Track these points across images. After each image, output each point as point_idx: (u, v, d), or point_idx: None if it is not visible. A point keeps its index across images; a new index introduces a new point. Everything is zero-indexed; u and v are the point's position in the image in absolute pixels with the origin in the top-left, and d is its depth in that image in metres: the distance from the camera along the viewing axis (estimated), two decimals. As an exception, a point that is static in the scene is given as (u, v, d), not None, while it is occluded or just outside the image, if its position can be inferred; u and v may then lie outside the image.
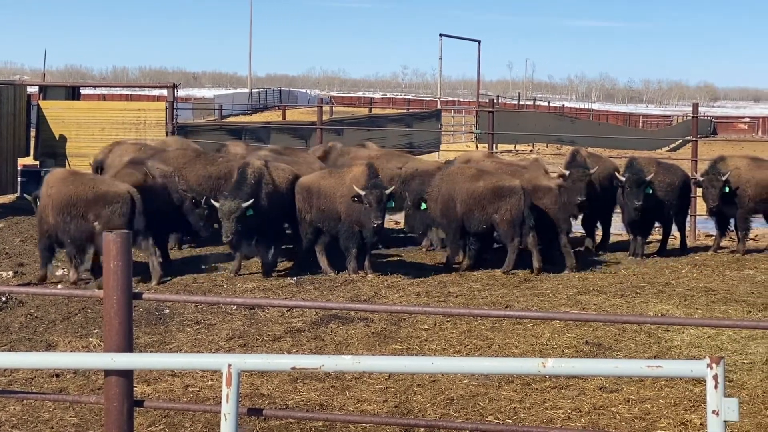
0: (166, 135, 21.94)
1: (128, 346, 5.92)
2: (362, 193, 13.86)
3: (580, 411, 8.32)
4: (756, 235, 18.51)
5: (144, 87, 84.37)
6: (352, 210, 14.15)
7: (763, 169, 17.27)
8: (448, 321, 11.30)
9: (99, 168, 17.02)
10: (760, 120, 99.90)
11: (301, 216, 14.52)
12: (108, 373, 5.90)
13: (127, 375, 5.91)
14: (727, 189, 16.77)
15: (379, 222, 13.91)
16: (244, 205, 13.61)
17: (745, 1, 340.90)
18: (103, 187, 13.51)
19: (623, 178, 16.25)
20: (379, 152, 18.03)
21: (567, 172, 16.37)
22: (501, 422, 8.04)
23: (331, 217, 14.36)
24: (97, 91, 77.79)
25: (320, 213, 14.40)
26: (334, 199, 14.32)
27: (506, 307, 12.34)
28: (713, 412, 4.75)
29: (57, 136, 22.29)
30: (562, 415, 8.23)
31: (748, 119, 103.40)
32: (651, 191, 16.22)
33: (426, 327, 11.13)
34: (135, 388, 6.52)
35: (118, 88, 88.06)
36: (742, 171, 17.14)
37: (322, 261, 14.53)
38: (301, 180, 14.69)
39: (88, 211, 13.26)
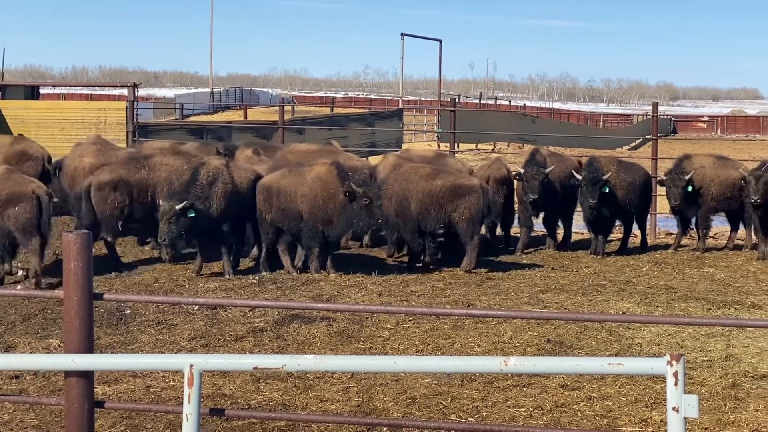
0: (127, 135, 21.82)
1: (89, 347, 5.88)
2: (360, 190, 13.86)
3: (542, 409, 8.35)
4: (715, 234, 18.67)
5: (104, 86, 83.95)
6: (315, 209, 14.12)
7: (727, 168, 17.42)
8: (410, 320, 11.31)
9: (57, 169, 16.89)
10: (719, 119, 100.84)
11: (262, 216, 14.44)
12: (68, 374, 5.86)
13: (87, 376, 5.87)
14: (690, 188, 16.91)
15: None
16: (178, 207, 13.54)
17: (704, 2, 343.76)
18: (12, 187, 13.45)
19: (580, 177, 16.35)
20: (310, 148, 17.92)
21: (522, 170, 16.51)
22: (463, 421, 8.06)
23: (293, 217, 14.30)
24: (57, 90, 77.12)
25: (281, 212, 14.33)
26: (295, 198, 14.26)
27: (468, 306, 12.36)
28: (673, 408, 4.79)
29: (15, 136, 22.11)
30: (525, 413, 8.26)
31: (707, 118, 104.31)
32: (608, 190, 16.30)
33: (388, 326, 11.13)
34: (96, 389, 6.48)
35: (78, 88, 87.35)
36: (706, 170, 17.27)
37: (285, 261, 14.50)
38: (262, 180, 14.61)
39: (3, 209, 13.28)
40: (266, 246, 14.53)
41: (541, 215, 17.41)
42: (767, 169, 15.98)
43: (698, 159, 17.62)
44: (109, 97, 69.86)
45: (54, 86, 75.55)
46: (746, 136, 76.65)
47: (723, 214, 17.76)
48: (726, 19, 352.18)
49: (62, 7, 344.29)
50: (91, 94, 79.34)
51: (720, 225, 18.71)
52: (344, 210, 14.05)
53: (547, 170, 16.50)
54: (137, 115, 22.81)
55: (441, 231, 14.93)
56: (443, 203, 14.71)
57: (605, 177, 16.19)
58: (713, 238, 18.41)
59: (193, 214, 13.64)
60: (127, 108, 22.27)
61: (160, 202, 13.97)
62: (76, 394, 5.84)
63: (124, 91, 25.17)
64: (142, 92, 33.15)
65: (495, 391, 8.78)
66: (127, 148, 19.36)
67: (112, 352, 9.91)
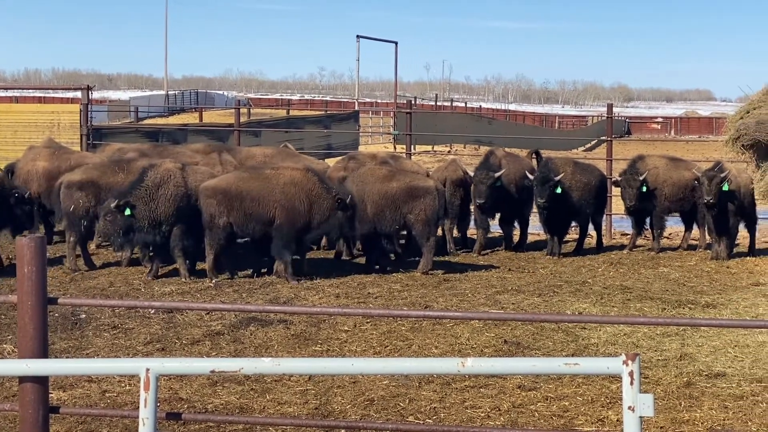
0: (81, 138, 21.65)
1: (43, 352, 5.83)
2: (349, 196, 13.98)
3: (500, 410, 8.38)
4: (670, 234, 18.83)
5: (57, 89, 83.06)
6: (294, 215, 13.97)
7: (680, 169, 17.60)
8: (368, 322, 11.31)
9: (10, 172, 16.73)
10: (673, 120, 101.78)
11: (214, 221, 14.03)
12: (22, 379, 5.80)
13: (42, 381, 5.82)
14: (645, 188, 17.05)
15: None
16: (112, 204, 13.55)
17: (657, 4, 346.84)
18: None
19: (533, 177, 16.44)
20: (266, 151, 17.84)
21: (472, 174, 16.57)
22: (421, 422, 8.07)
23: (261, 222, 14.06)
24: (9, 93, 76.22)
25: (244, 217, 14.03)
26: (265, 203, 14.00)
27: (426, 307, 12.38)
28: (629, 408, 4.82)
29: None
30: (482, 414, 8.28)
31: (660, 119, 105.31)
32: (563, 191, 16.38)
33: (346, 328, 11.12)
34: (51, 395, 6.43)
35: (30, 91, 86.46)
36: (660, 171, 17.44)
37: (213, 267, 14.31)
38: (211, 183, 14.20)
39: None
40: (215, 252, 14.12)
41: (498, 216, 17.49)
42: (720, 170, 16.13)
43: (652, 160, 17.78)
44: (62, 100, 69.14)
45: (6, 89, 74.52)
46: (699, 137, 77.25)
47: (677, 214, 17.94)
48: (679, 21, 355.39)
49: (14, 9, 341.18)
50: (44, 97, 78.50)
51: (674, 225, 18.89)
52: (331, 216, 14.00)
53: (497, 174, 16.53)
54: (91, 118, 22.62)
55: (397, 233, 14.96)
56: (399, 205, 14.72)
57: (557, 177, 16.26)
58: (668, 238, 18.58)
59: (129, 213, 13.58)
60: (80, 111, 22.09)
61: (66, 200, 14.06)
62: (30, 399, 5.78)
63: (78, 94, 25.00)
64: (96, 95, 32.89)
65: (452, 393, 8.80)
66: (81, 151, 19.22)
67: (67, 357, 9.82)
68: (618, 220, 19.83)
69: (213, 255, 14.08)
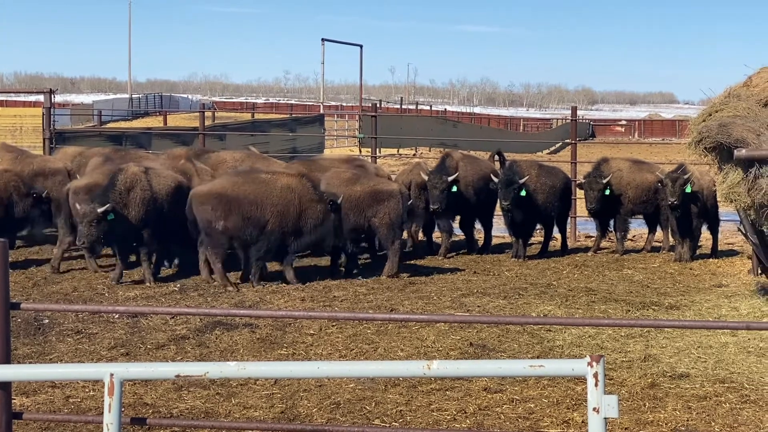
0: (44, 142, 21.51)
1: (6, 358, 5.79)
2: (339, 201, 14.05)
3: (466, 412, 8.39)
4: (634, 236, 18.95)
5: (19, 93, 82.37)
6: (285, 218, 13.91)
7: (643, 171, 17.71)
8: (333, 325, 11.30)
9: None
10: (636, 123, 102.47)
11: (212, 225, 13.89)
12: (-15, 385, 5.75)
13: (5, 387, 5.78)
14: (608, 191, 17.15)
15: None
16: (100, 210, 13.42)
17: (620, 7, 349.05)
18: None
19: (497, 180, 16.48)
20: (235, 155, 17.68)
21: (427, 177, 16.55)
22: (387, 425, 8.06)
23: (256, 226, 13.94)
24: (-29, 97, 75.78)
25: (242, 221, 13.87)
26: (262, 206, 13.90)
27: (391, 310, 12.38)
28: (594, 409, 4.84)
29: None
30: (448, 417, 8.29)
31: (624, 122, 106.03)
32: (527, 193, 16.42)
33: (311, 332, 11.11)
34: (14, 401, 6.38)
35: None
36: (623, 173, 17.55)
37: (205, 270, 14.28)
38: (207, 188, 14.12)
39: None
40: (221, 258, 13.96)
41: (458, 219, 17.51)
42: (683, 172, 16.25)
43: (616, 162, 17.89)
44: (24, 104, 68.78)
45: (-32, 93, 74.18)
46: (663, 140, 78.01)
47: (641, 216, 18.05)
48: (643, 25, 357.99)
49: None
50: (5, 101, 77.97)
51: (638, 227, 19.01)
52: (325, 220, 14.02)
53: (450, 178, 16.51)
54: (54, 121, 22.47)
55: (361, 236, 14.96)
56: (363, 208, 14.71)
57: (521, 180, 16.29)
58: (631, 240, 18.69)
59: (112, 218, 13.52)
60: (43, 114, 21.94)
61: (78, 206, 13.81)
62: (-7, 405, 5.73)
63: (40, 98, 24.84)
64: (58, 98, 32.72)
65: (419, 396, 8.80)
66: (44, 155, 19.09)
67: (30, 363, 9.75)
68: (582, 223, 19.94)
69: (220, 262, 13.92)
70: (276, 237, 13.93)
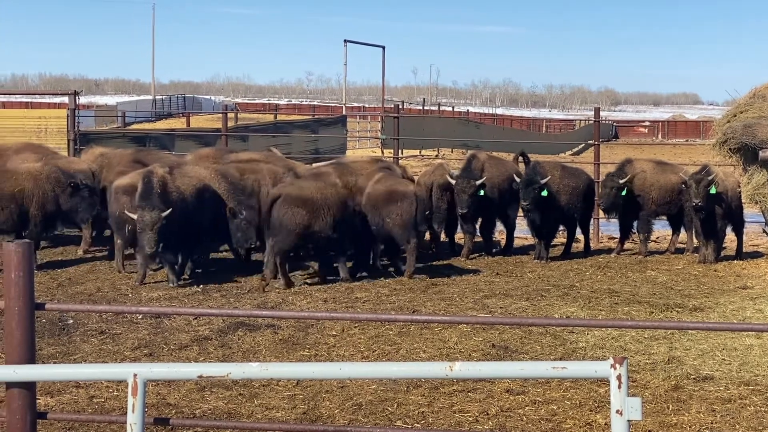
0: (68, 143, 21.61)
1: (30, 358, 5.82)
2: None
3: (488, 414, 8.38)
4: (657, 237, 18.87)
5: (45, 94, 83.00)
6: (349, 217, 14.33)
7: (667, 173, 17.62)
8: (355, 326, 11.31)
9: None
10: (660, 124, 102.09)
11: (311, 228, 14.01)
12: (9, 385, 5.79)
13: (29, 387, 5.80)
14: (625, 192, 17.07)
15: None
16: (164, 214, 13.43)
17: (644, 8, 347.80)
18: None
19: (519, 180, 16.45)
20: (252, 156, 17.66)
21: (454, 181, 16.49)
22: (409, 427, 8.07)
23: (330, 226, 14.15)
24: (-4, 98, 76.21)
25: (323, 222, 14.08)
26: (337, 207, 14.25)
27: (413, 311, 12.37)
28: (617, 411, 4.82)
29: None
30: (470, 418, 8.28)
31: (648, 123, 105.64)
32: (550, 194, 16.37)
33: (334, 333, 11.12)
34: (38, 401, 6.41)
35: (17, 96, 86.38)
36: (647, 174, 17.47)
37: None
38: (295, 190, 14.25)
39: None
40: (282, 257, 14.05)
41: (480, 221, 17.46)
42: (707, 173, 16.17)
43: (639, 163, 17.81)
44: (49, 105, 69.14)
45: (-7, 94, 74.61)
46: (686, 141, 77.58)
47: (664, 218, 17.97)
48: (666, 26, 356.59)
49: (1, 15, 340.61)
50: (31, 102, 78.42)
51: (662, 229, 18.92)
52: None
53: (477, 182, 16.49)
54: (78, 123, 22.59)
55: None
56: (379, 208, 14.73)
57: (543, 181, 16.25)
58: (655, 242, 18.61)
59: (165, 222, 13.55)
60: (68, 116, 22.05)
61: (130, 214, 13.67)
62: (17, 405, 5.77)
63: (65, 99, 24.98)
64: (83, 100, 32.85)
65: (441, 397, 8.80)
66: (68, 156, 19.19)
67: (55, 363, 9.79)
68: (606, 224, 19.86)
69: (286, 264, 14.10)
70: (346, 237, 14.30)
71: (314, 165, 18.64)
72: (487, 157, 18.01)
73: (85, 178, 15.26)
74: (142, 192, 13.75)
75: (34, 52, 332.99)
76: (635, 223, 17.67)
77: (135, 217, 13.49)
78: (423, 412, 8.43)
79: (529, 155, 18.84)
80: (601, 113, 25.34)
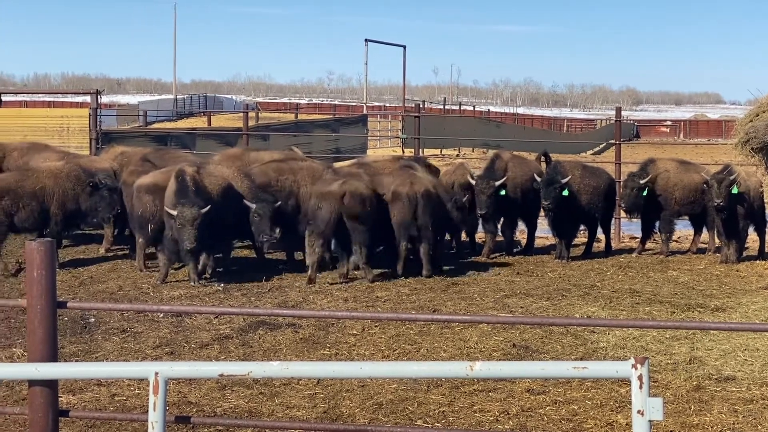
0: (90, 142, 21.71)
1: (53, 356, 5.85)
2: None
3: (509, 413, 8.37)
4: (679, 237, 18.80)
5: (67, 93, 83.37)
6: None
7: (690, 172, 17.50)
8: (376, 326, 11.31)
9: None
10: (682, 123, 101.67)
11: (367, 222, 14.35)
12: (32, 383, 5.82)
13: (51, 385, 5.83)
14: (645, 192, 16.99)
15: None
16: (203, 211, 13.50)
17: (666, 7, 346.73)
18: None
19: (540, 180, 16.40)
20: (273, 156, 17.68)
21: (474, 182, 16.45)
22: (430, 426, 8.07)
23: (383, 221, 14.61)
24: (19, 98, 76.56)
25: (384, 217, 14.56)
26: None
27: (434, 311, 12.37)
28: (638, 411, 4.81)
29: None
30: (491, 418, 8.28)
31: (669, 122, 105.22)
32: (571, 194, 16.33)
33: (354, 332, 11.12)
34: (60, 398, 6.45)
35: (40, 95, 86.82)
36: (670, 174, 17.37)
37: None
38: (364, 187, 14.54)
39: None
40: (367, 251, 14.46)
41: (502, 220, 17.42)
42: (729, 173, 16.09)
43: (663, 163, 17.72)
44: (71, 104, 69.44)
45: (16, 93, 75.07)
46: (708, 140, 77.25)
47: (686, 217, 17.88)
48: (689, 24, 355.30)
49: (24, 14, 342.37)
50: (53, 102, 78.77)
51: (683, 229, 18.84)
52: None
53: (497, 183, 16.45)
54: (100, 122, 22.67)
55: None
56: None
57: (563, 180, 16.21)
58: (677, 241, 18.54)
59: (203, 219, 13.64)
60: (90, 115, 22.15)
61: (170, 211, 13.67)
62: (40, 403, 5.80)
63: (87, 98, 25.12)
64: (105, 99, 32.98)
65: (461, 396, 8.80)
66: (90, 155, 19.26)
67: (77, 361, 9.84)
68: (627, 224, 19.79)
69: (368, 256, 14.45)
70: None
71: (337, 165, 18.65)
72: (510, 156, 17.96)
73: (106, 177, 15.22)
74: (179, 189, 13.79)
75: (56, 52, 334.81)
76: (657, 223, 17.59)
77: (175, 213, 13.51)
78: (443, 411, 8.43)
79: (550, 155, 18.79)
80: (623, 113, 25.26)
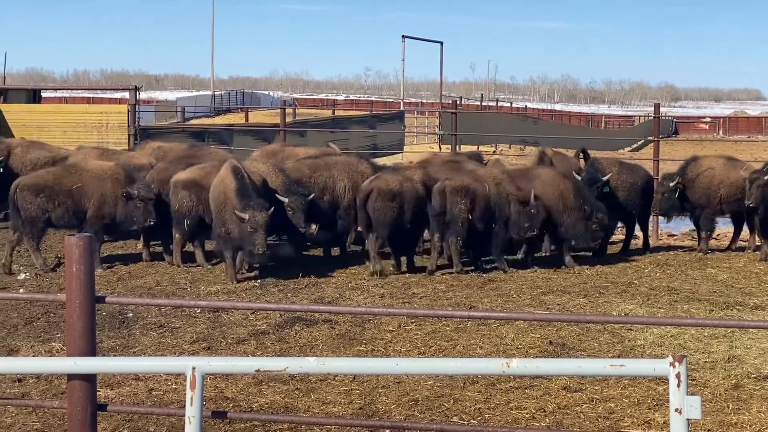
0: (128, 138, 21.84)
1: (91, 350, 5.89)
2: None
3: (545, 411, 8.35)
4: (718, 235, 18.64)
5: (106, 90, 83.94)
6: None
7: (738, 169, 17.18)
8: (412, 322, 11.30)
9: None
10: (721, 120, 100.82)
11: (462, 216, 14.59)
12: (71, 377, 5.86)
13: (90, 379, 5.87)
14: (677, 194, 16.80)
15: None
16: (270, 212, 13.71)
17: (705, 3, 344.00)
18: None
19: (579, 177, 16.31)
20: (309, 152, 17.77)
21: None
22: (466, 423, 8.05)
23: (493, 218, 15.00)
24: (59, 94, 77.19)
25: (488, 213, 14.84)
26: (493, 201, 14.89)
27: (470, 308, 12.35)
28: (676, 410, 4.78)
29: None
30: (527, 415, 8.26)
31: (708, 119, 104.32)
32: (609, 191, 16.26)
33: (391, 328, 11.13)
34: (98, 392, 6.48)
35: (79, 91, 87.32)
36: (715, 171, 17.11)
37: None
38: (461, 182, 14.76)
39: None
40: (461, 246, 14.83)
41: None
42: (765, 172, 15.90)
43: (707, 160, 17.39)
44: (110, 101, 69.93)
45: (56, 89, 75.66)
46: (748, 137, 76.62)
47: (728, 215, 17.66)
48: (728, 20, 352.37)
49: (64, 11, 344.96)
50: (92, 98, 79.28)
51: (722, 226, 18.68)
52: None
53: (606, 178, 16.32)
54: (138, 118, 22.81)
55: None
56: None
57: (604, 178, 16.14)
58: (716, 239, 18.39)
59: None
60: (128, 111, 22.28)
61: (239, 214, 13.72)
62: (78, 397, 5.84)
63: (126, 95, 25.27)
64: (143, 95, 33.16)
65: (497, 393, 8.78)
66: (128, 151, 19.37)
67: (115, 355, 9.91)
68: (664, 221, 19.64)
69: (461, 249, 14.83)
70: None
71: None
72: (553, 152, 17.97)
73: (142, 187, 14.83)
74: (241, 189, 13.84)
75: (95, 48, 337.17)
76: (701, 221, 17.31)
77: (246, 217, 13.52)
78: (479, 408, 8.41)
79: (590, 151, 18.71)
80: (661, 109, 25.07)
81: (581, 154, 18.57)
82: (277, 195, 14.43)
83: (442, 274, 14.58)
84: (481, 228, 14.80)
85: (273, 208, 13.72)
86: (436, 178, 15.12)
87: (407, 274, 14.57)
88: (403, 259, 14.97)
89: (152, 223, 14.71)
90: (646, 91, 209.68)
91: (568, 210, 15.17)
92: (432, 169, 15.88)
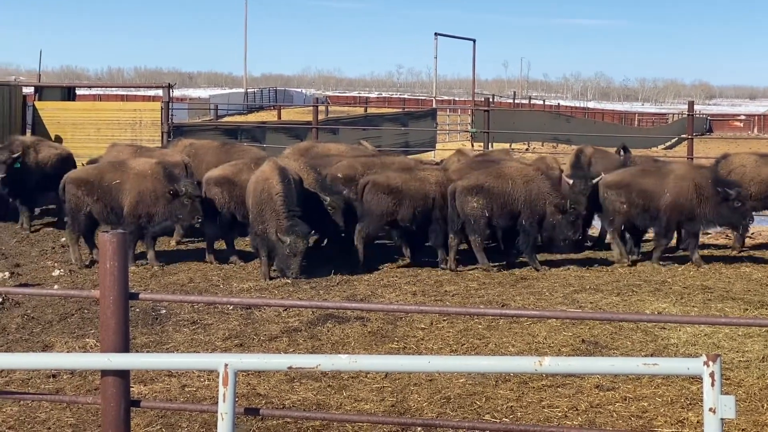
0: (162, 136, 21.95)
1: (125, 347, 5.92)
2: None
3: (577, 409, 8.32)
4: (752, 233, 18.50)
5: (139, 87, 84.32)
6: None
7: None
8: (444, 320, 11.30)
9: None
10: (756, 117, 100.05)
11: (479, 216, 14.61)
12: (105, 373, 5.90)
13: (123, 375, 5.91)
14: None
15: None
16: (309, 237, 14.16)
17: (739, 1, 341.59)
18: None
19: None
20: (340, 148, 17.91)
21: (570, 181, 16.18)
22: (498, 421, 8.04)
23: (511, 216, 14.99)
24: (93, 91, 77.75)
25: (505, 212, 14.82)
26: (515, 199, 14.89)
27: (503, 305, 12.33)
28: (710, 409, 4.76)
29: (53, 137, 22.17)
30: (559, 414, 8.23)
31: (743, 117, 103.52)
32: None
33: (422, 326, 11.12)
34: (132, 389, 6.53)
35: (113, 89, 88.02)
36: (747, 168, 16.98)
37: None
38: (473, 182, 14.76)
39: None
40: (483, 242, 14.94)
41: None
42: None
43: (738, 158, 17.25)
44: (144, 98, 70.22)
45: (90, 87, 76.07)
46: (783, 135, 75.98)
47: (760, 213, 17.52)
48: (763, 18, 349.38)
49: (98, 9, 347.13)
50: (126, 95, 79.79)
51: (757, 224, 18.53)
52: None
53: (593, 181, 16.22)
54: (172, 115, 22.93)
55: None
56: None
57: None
58: (750, 237, 18.25)
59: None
60: (161, 108, 22.40)
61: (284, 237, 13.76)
62: (112, 393, 5.88)
63: (159, 92, 25.34)
64: (176, 93, 33.32)
65: (530, 392, 8.76)
66: (162, 148, 19.46)
67: (148, 352, 9.97)
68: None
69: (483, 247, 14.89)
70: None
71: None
72: (592, 151, 17.89)
73: (188, 184, 14.65)
74: (286, 194, 13.89)
75: (129, 46, 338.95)
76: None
77: (287, 241, 13.62)
78: (512, 406, 8.40)
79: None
80: (695, 107, 24.90)
81: (621, 150, 18.46)
82: (320, 195, 14.55)
83: (474, 272, 14.56)
84: (505, 225, 14.75)
85: (312, 231, 14.11)
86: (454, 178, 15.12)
87: (440, 272, 14.55)
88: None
89: (200, 220, 14.60)
90: (680, 88, 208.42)
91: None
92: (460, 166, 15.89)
